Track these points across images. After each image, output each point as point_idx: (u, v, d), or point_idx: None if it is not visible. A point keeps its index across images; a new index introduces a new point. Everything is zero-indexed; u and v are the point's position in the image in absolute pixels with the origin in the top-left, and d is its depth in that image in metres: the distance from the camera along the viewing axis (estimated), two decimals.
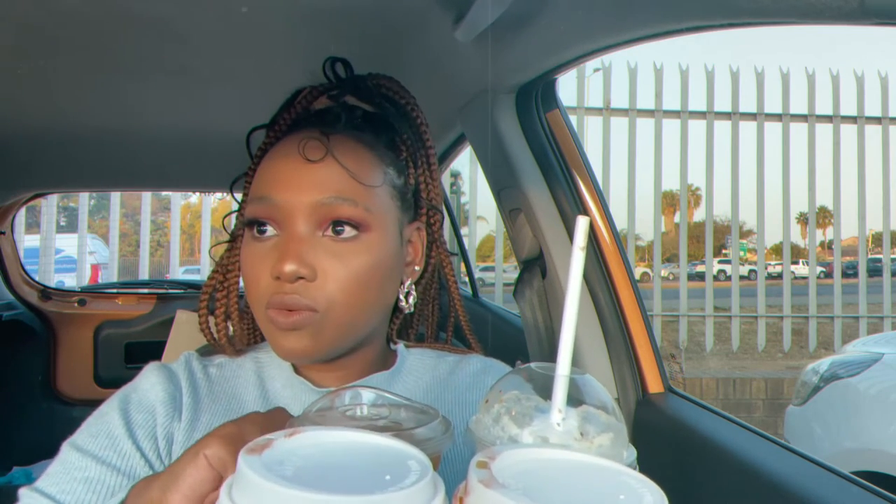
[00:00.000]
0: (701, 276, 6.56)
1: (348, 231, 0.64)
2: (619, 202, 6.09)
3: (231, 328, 0.75)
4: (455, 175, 5.75)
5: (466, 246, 2.59)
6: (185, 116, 1.52)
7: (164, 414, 0.66)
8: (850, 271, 7.64)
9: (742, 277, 6.61)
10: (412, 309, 0.74)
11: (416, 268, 0.74)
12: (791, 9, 0.52)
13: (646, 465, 0.40)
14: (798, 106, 6.16)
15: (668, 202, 19.56)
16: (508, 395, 0.42)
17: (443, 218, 0.79)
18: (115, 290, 2.89)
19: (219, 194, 3.97)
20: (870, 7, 0.45)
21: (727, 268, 9.74)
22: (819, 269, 7.72)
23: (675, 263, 8.83)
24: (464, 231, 5.92)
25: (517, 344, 1.34)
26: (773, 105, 6.17)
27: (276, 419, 0.47)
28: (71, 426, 0.65)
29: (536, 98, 1.14)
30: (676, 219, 7.53)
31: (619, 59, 6.38)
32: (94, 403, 0.69)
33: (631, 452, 0.41)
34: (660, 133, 6.02)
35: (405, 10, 0.93)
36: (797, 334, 6.43)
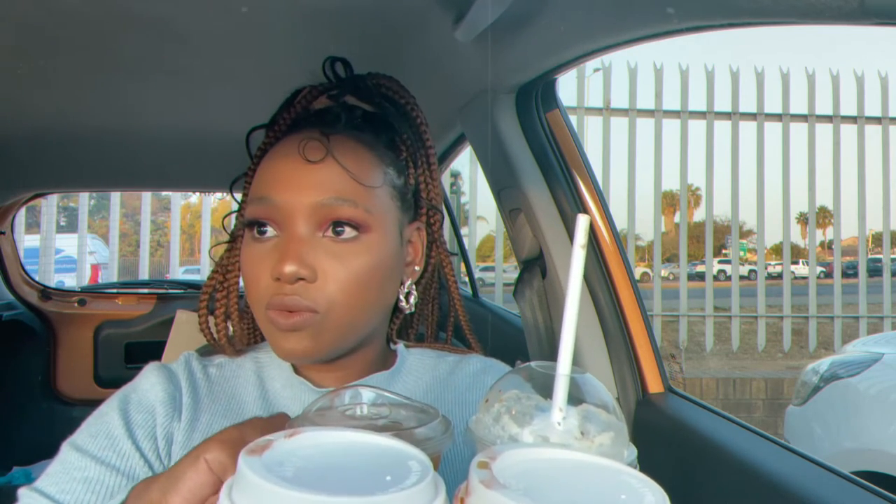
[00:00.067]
0: (701, 276, 6.56)
1: (348, 232, 0.64)
2: (619, 202, 6.10)
3: (231, 328, 0.75)
4: (455, 175, 5.75)
5: (466, 246, 2.59)
6: (185, 116, 1.52)
7: (163, 414, 0.66)
8: (850, 271, 7.64)
9: (742, 277, 6.61)
10: (413, 309, 0.74)
11: (417, 268, 0.74)
12: (791, 9, 0.52)
13: (646, 465, 0.40)
14: (798, 106, 6.17)
15: (668, 202, 19.55)
16: (508, 395, 0.42)
17: (443, 218, 0.79)
18: (115, 290, 2.89)
19: (219, 194, 3.97)
20: (870, 7, 0.45)
21: (727, 268, 9.74)
22: (819, 269, 7.72)
23: (675, 263, 8.83)
24: (464, 231, 5.92)
25: (517, 344, 1.34)
26: (773, 105, 6.18)
27: (278, 424, 0.47)
28: (71, 426, 0.65)
29: (536, 98, 1.14)
30: (676, 219, 7.53)
31: (619, 59, 6.39)
32: (94, 403, 0.69)
33: (631, 451, 0.41)
34: (660, 133, 6.02)
35: (405, 10, 0.93)
36: (797, 334, 6.43)
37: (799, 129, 6.20)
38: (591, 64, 6.11)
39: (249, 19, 0.96)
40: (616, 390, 1.11)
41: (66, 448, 0.63)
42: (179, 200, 7.32)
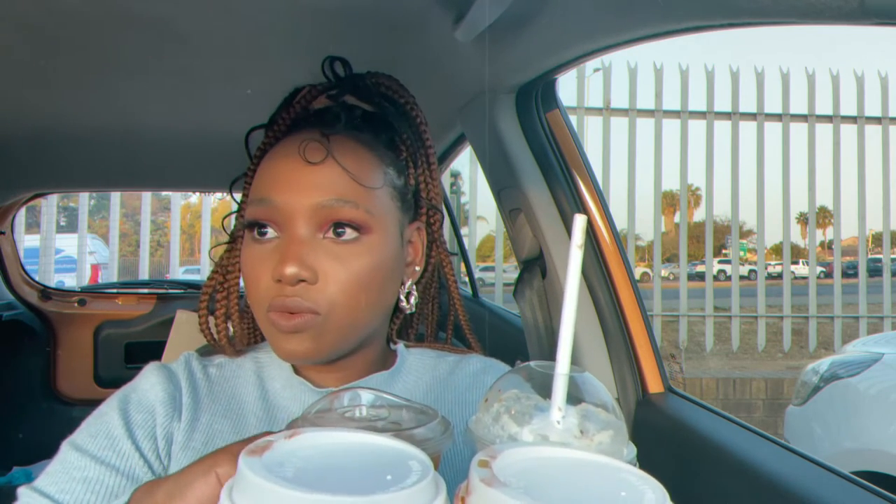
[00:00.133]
0: (701, 276, 6.56)
1: (349, 233, 0.64)
2: (619, 202, 6.10)
3: (231, 329, 0.75)
4: (455, 175, 5.75)
5: (466, 246, 2.59)
6: (185, 116, 1.52)
7: (163, 414, 0.66)
8: (850, 271, 7.64)
9: (742, 277, 6.61)
10: (413, 309, 0.74)
11: (417, 268, 0.74)
12: (791, 9, 0.52)
13: (646, 464, 0.40)
14: (798, 106, 6.17)
15: (668, 202, 19.56)
16: (508, 394, 0.42)
17: (443, 217, 0.79)
18: (115, 290, 2.89)
19: (219, 194, 3.97)
20: (870, 7, 0.45)
21: (727, 268, 9.74)
22: (819, 269, 7.72)
23: (675, 263, 8.83)
24: (464, 231, 5.92)
25: (517, 344, 1.34)
26: (773, 105, 6.18)
27: None
28: (71, 426, 0.65)
29: (536, 98, 1.14)
30: (676, 219, 7.53)
31: (619, 59, 6.39)
32: (94, 403, 0.69)
33: (631, 450, 0.41)
34: (660, 133, 6.02)
35: (405, 10, 0.93)
36: (797, 334, 6.43)
37: (799, 129, 6.21)
38: (591, 64, 6.12)
39: (249, 19, 0.96)
40: (616, 390, 1.11)
41: (65, 448, 0.63)
42: (179, 200, 7.32)
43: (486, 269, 9.19)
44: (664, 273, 8.33)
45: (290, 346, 0.64)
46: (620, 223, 4.85)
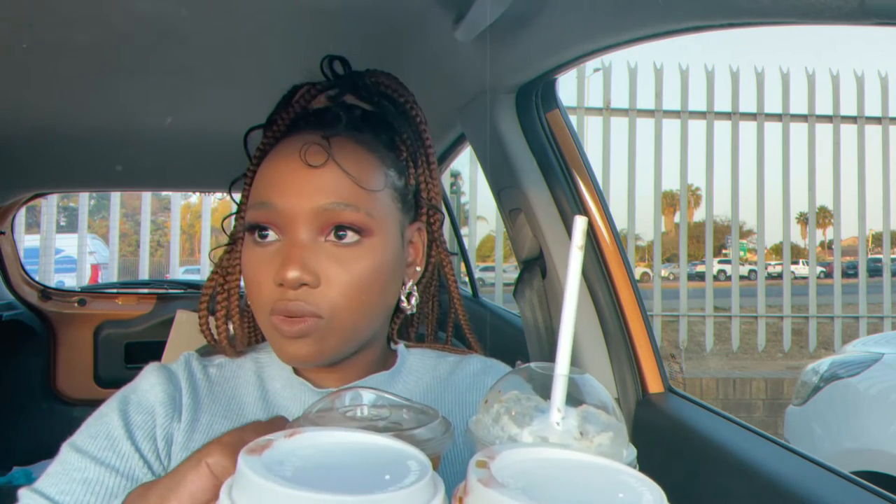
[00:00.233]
0: (701, 276, 6.57)
1: (351, 236, 0.64)
2: (619, 202, 6.11)
3: (231, 329, 0.75)
4: (455, 175, 5.76)
5: (466, 246, 2.59)
6: (185, 116, 1.52)
7: (163, 415, 0.66)
8: (850, 271, 7.64)
9: (742, 277, 6.62)
10: (414, 310, 0.73)
11: (418, 268, 0.74)
12: (791, 9, 0.52)
13: (646, 464, 0.40)
14: (798, 106, 6.18)
15: (668, 202, 19.54)
16: (508, 395, 0.42)
17: (443, 217, 0.79)
18: (115, 290, 2.89)
19: (219, 194, 3.97)
20: (870, 7, 0.45)
21: (727, 268, 9.74)
22: (819, 269, 7.72)
23: (675, 263, 8.83)
24: (464, 231, 5.93)
25: (517, 344, 1.34)
26: (773, 105, 6.18)
27: (277, 427, 0.47)
28: (71, 426, 0.65)
29: (536, 98, 1.14)
30: (676, 219, 7.53)
31: (619, 59, 6.39)
32: (94, 403, 0.69)
33: (631, 451, 0.41)
34: (660, 133, 6.02)
35: (405, 10, 0.93)
36: (797, 334, 6.43)
37: (799, 129, 6.21)
38: (591, 64, 6.12)
39: (249, 19, 0.96)
40: (616, 390, 1.11)
41: (65, 449, 0.63)
42: (179, 200, 7.33)
43: (486, 269, 9.20)
44: (664, 273, 8.34)
45: (292, 349, 0.64)
46: (620, 223, 4.86)
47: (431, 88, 1.10)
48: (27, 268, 2.79)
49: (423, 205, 0.75)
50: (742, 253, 14.06)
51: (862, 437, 2.57)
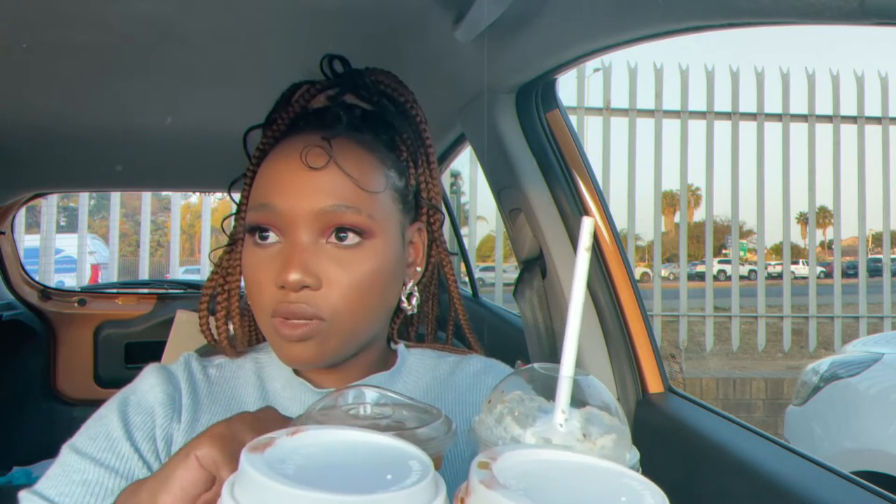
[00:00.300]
0: (701, 276, 6.57)
1: (352, 238, 0.64)
2: (619, 202, 6.11)
3: (232, 329, 0.75)
4: (455, 175, 5.75)
5: (466, 246, 2.59)
6: (185, 116, 1.52)
7: (163, 415, 0.66)
8: (850, 271, 7.64)
9: (742, 277, 6.62)
10: (415, 310, 0.73)
11: (418, 268, 0.74)
12: (791, 9, 0.52)
13: (646, 464, 0.40)
14: (798, 106, 6.18)
15: (668, 202, 19.54)
16: (511, 396, 0.42)
17: (443, 217, 0.79)
18: (115, 290, 2.89)
19: (219, 194, 3.97)
20: (870, 7, 0.45)
21: (727, 268, 9.74)
22: (819, 269, 7.72)
23: (675, 263, 8.83)
24: (464, 231, 5.93)
25: (517, 344, 1.34)
26: (773, 105, 6.18)
27: (267, 418, 0.47)
28: (71, 426, 0.65)
29: (536, 98, 1.14)
30: (676, 219, 7.53)
31: (619, 59, 6.39)
32: (94, 403, 0.69)
33: (634, 454, 0.41)
34: (660, 133, 6.02)
35: (405, 10, 0.93)
36: (797, 334, 6.43)
37: (799, 129, 6.21)
38: (591, 64, 6.12)
39: (249, 19, 0.96)
40: (616, 390, 1.11)
41: (65, 450, 0.63)
42: (179, 200, 7.32)
43: (486, 269, 9.19)
44: (664, 273, 8.33)
45: (294, 352, 0.64)
46: (620, 223, 4.86)
47: (431, 88, 1.10)
48: (27, 268, 2.79)
49: (423, 205, 0.75)
50: (742, 253, 14.06)
51: (862, 437, 2.57)
